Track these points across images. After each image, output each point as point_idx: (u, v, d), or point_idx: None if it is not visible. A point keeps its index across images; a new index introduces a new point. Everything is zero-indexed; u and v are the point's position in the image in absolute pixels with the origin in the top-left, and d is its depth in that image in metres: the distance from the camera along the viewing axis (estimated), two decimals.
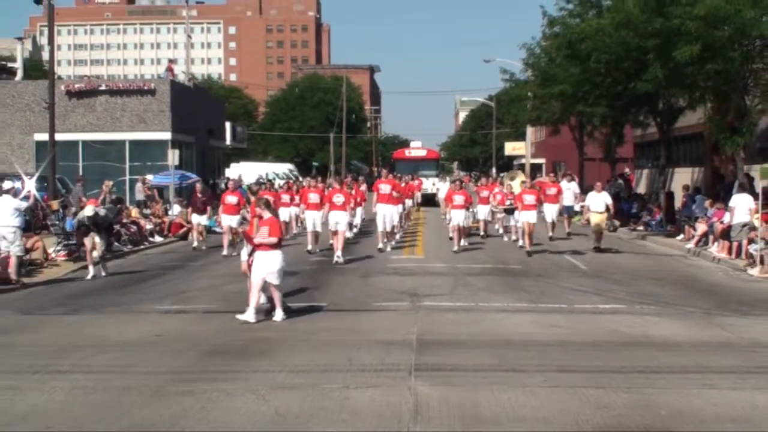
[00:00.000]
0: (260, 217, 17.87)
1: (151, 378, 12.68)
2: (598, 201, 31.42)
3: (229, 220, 30.55)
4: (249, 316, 17.03)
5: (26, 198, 25.35)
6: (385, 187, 31.37)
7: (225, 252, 29.97)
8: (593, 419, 10.52)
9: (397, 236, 34.95)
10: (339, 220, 27.52)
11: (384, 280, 23.71)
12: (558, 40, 43.91)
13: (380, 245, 30.30)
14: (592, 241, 31.54)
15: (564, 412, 10.84)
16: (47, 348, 15.02)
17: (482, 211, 37.27)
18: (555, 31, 45.03)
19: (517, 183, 43.84)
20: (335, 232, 27.57)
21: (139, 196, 42.03)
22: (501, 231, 37.54)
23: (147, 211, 38.39)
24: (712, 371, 13.18)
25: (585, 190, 42.74)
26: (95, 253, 24.56)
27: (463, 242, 31.71)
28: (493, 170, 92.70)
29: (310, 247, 29.93)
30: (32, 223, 31.21)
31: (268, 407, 11.09)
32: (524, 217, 30.15)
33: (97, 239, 24.43)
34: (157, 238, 35.51)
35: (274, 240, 17.32)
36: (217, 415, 10.80)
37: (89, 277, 24.29)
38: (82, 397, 11.74)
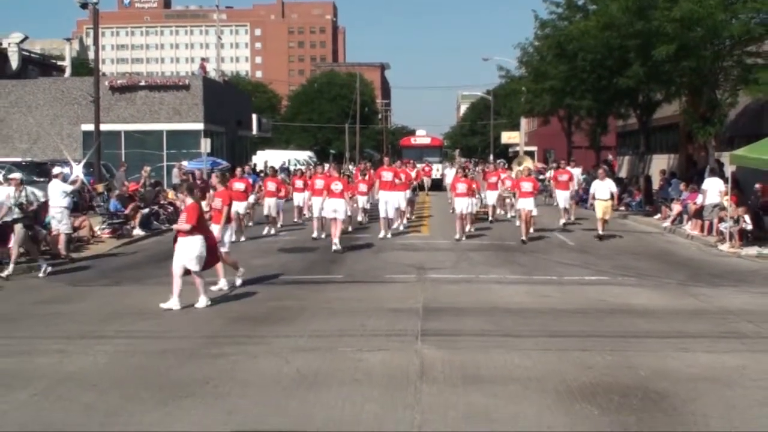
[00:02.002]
0: (183, 203, 16.40)
1: (185, 342, 12.69)
2: (603, 189, 27.88)
3: (236, 207, 27.15)
4: (173, 303, 15.56)
5: (74, 182, 25.36)
6: (387, 175, 29.09)
7: (234, 238, 27.82)
8: (580, 378, 10.50)
9: (404, 221, 32.16)
10: (337, 207, 24.51)
11: (393, 255, 23.69)
12: (548, 40, 43.96)
13: (382, 233, 28.00)
14: (597, 229, 27.83)
15: (554, 372, 10.82)
16: (93, 316, 15.02)
17: (491, 197, 34.77)
18: (546, 33, 45.08)
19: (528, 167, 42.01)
20: (333, 220, 24.65)
21: (176, 180, 42.01)
22: (508, 215, 35.49)
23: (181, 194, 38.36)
24: (686, 336, 13.16)
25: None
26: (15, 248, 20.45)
27: (469, 228, 28.83)
28: (491, 157, 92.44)
29: (315, 233, 27.72)
30: (80, 204, 31.25)
31: (290, 368, 11.07)
32: (521, 205, 27.37)
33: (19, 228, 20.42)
34: None
35: (187, 227, 15.68)
36: (245, 375, 10.79)
37: (4, 274, 19.96)
38: (123, 359, 11.74)
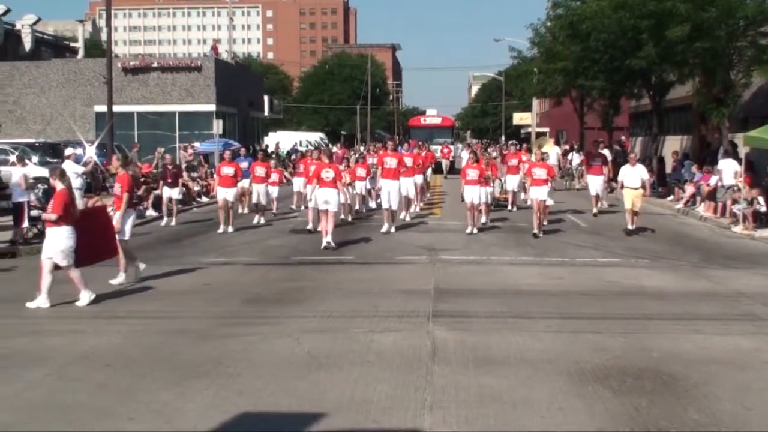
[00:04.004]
0: (54, 189, 14.61)
1: (198, 323, 12.71)
2: (633, 175, 24.43)
3: (225, 193, 25.54)
4: (40, 301, 13.90)
5: (87, 164, 25.46)
6: (390, 161, 25.21)
7: (221, 229, 25.02)
8: (592, 361, 10.47)
9: (415, 208, 29.88)
10: (329, 198, 21.26)
11: (404, 237, 23.64)
12: (561, 20, 43.65)
13: (385, 227, 24.68)
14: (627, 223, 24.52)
15: (566, 354, 10.80)
16: (106, 296, 15.01)
17: (511, 182, 31.07)
18: (558, 13, 44.77)
19: (551, 150, 38.83)
20: (324, 213, 21.38)
21: (184, 163, 42.06)
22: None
23: (194, 174, 38.38)
24: (699, 318, 13.11)
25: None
26: None
27: (484, 220, 26.26)
28: (502, 138, 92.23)
29: (310, 225, 24.59)
30: (93, 185, 31.32)
31: (302, 349, 11.08)
32: (534, 194, 24.16)
33: None
34: (204, 199, 35.50)
35: (53, 216, 13.92)
36: (257, 356, 10.80)
37: None
38: (136, 339, 11.76)
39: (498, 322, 12.67)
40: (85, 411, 8.72)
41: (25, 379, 9.84)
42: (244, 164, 28.90)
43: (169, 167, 28.17)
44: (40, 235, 22.43)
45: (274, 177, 29.83)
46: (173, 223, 27.30)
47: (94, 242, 14.85)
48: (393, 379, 9.68)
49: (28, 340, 11.78)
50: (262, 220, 27.50)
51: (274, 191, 29.97)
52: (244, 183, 28.46)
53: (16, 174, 21.40)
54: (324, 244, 20.98)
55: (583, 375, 9.88)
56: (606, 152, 33.73)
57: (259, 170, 28.26)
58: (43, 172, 29.14)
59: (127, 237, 16.68)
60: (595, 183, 29.78)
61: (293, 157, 55.43)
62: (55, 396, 9.25)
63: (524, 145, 43.00)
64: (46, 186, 26.65)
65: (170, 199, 27.68)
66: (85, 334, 11.98)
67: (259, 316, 13.21)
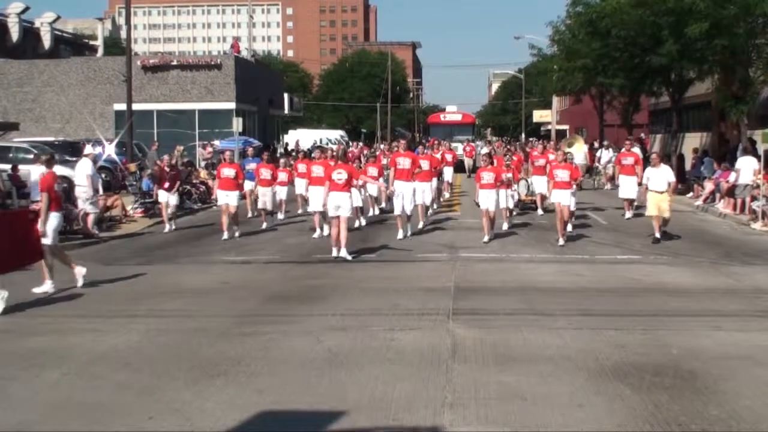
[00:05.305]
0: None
1: (217, 321, 12.73)
2: (658, 178, 21.85)
3: (225, 197, 23.39)
4: None
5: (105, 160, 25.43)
6: (403, 162, 23.17)
7: (225, 235, 23.07)
8: (612, 357, 10.45)
9: (430, 212, 27.34)
10: (341, 203, 19.11)
11: (424, 235, 23.59)
12: (581, 18, 43.61)
13: (400, 233, 22.81)
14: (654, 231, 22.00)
15: (586, 351, 10.78)
16: (125, 295, 15.10)
17: (538, 184, 28.41)
18: (578, 10, 44.69)
19: (580, 150, 36.08)
20: (336, 219, 19.22)
21: (203, 161, 42.22)
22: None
23: (215, 172, 38.46)
24: (719, 315, 13.07)
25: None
26: None
27: (505, 226, 24.34)
28: (522, 136, 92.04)
29: (317, 233, 23.17)
30: (112, 183, 31.42)
31: (322, 347, 11.08)
32: (556, 198, 22.02)
33: None
34: None
35: None
36: (277, 354, 10.81)
37: None
38: (156, 338, 11.79)
39: (518, 320, 12.67)
40: (104, 410, 8.74)
41: (44, 379, 9.88)
42: (251, 165, 27.93)
43: (166, 170, 25.73)
44: None
45: (283, 177, 27.67)
46: (171, 228, 25.22)
47: (11, 247, 13.99)
48: (413, 377, 9.68)
49: (47, 339, 11.82)
50: (265, 225, 25.75)
51: (283, 192, 27.80)
52: (249, 186, 27.49)
53: (35, 173, 21.45)
54: (334, 254, 19.17)
55: (602, 372, 9.86)
56: (637, 150, 31.70)
57: (265, 173, 26.50)
58: (63, 170, 29.31)
59: (50, 241, 15.42)
60: (628, 184, 27.44)
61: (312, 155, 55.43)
62: (74, 395, 9.28)
63: (551, 142, 41.79)
64: (65, 185, 26.80)
65: (167, 205, 25.31)
66: (104, 333, 12.01)
67: (278, 314, 13.23)
